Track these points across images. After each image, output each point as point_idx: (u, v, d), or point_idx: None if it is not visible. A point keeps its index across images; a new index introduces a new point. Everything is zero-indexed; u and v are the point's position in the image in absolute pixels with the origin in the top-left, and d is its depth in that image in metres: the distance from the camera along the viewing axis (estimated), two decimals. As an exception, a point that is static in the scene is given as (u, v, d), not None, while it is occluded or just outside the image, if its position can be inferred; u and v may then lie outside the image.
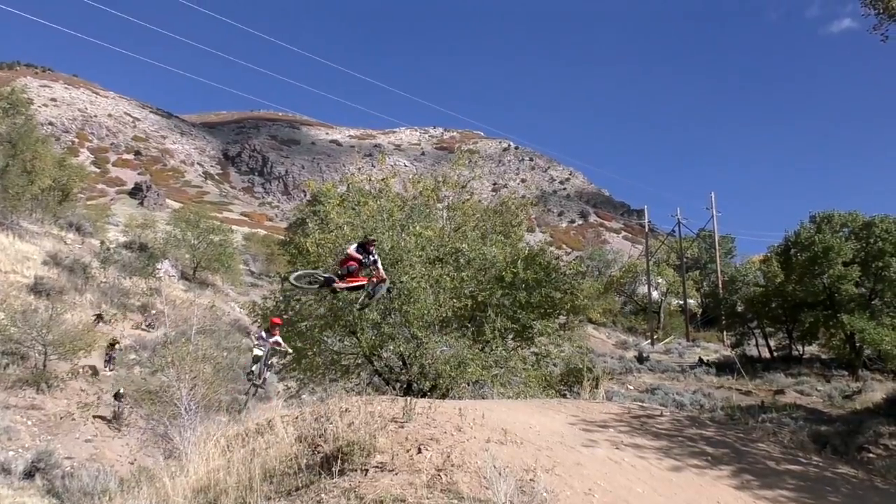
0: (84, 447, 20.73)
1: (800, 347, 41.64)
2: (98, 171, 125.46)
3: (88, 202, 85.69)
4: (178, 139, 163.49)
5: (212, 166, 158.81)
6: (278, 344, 13.65)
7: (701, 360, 41.53)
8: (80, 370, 24.69)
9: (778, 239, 65.01)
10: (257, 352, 13.45)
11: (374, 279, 11.80)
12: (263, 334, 13.79)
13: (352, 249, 11.74)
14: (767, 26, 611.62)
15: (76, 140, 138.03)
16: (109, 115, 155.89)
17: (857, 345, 34.30)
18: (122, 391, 23.22)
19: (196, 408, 16.91)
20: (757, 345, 44.37)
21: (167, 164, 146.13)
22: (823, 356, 40.08)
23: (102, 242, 42.90)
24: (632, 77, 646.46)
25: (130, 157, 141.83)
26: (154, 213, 74.83)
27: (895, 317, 33.65)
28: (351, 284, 11.88)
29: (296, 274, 12.47)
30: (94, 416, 21.37)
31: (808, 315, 36.56)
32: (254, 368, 13.63)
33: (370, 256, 11.77)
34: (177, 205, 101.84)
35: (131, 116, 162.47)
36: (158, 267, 40.30)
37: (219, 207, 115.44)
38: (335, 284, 11.71)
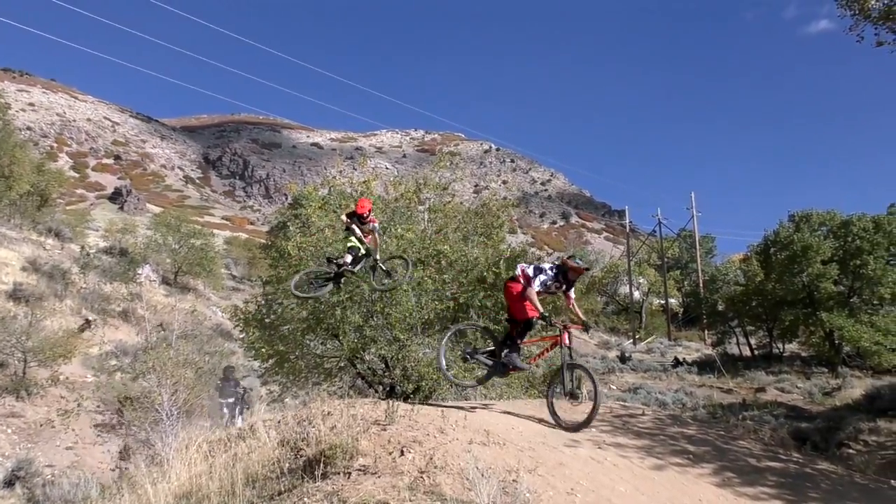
0: (65, 455, 20.45)
1: (780, 345, 41.93)
2: (77, 175, 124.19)
3: (68, 207, 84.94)
4: (157, 143, 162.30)
5: (192, 170, 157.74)
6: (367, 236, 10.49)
7: (677, 359, 41.49)
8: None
9: (757, 238, 65.75)
10: (350, 244, 10.84)
11: (569, 327, 8.10)
12: (353, 226, 10.68)
13: (534, 291, 7.67)
14: (746, 27, 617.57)
15: (55, 145, 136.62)
16: (88, 120, 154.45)
17: (837, 342, 34.59)
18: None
19: (177, 413, 16.76)
20: (738, 343, 44.56)
21: (147, 168, 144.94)
22: (803, 354, 40.32)
23: (82, 248, 42.36)
24: (611, 78, 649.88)
25: (110, 161, 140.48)
26: (134, 218, 73.93)
27: (873, 314, 34.02)
28: (542, 357, 8.72)
29: (452, 333, 9.98)
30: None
31: (787, 313, 36.85)
32: (339, 259, 10.96)
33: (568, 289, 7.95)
34: (157, 209, 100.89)
35: (110, 121, 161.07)
36: (139, 272, 40.01)
37: (200, 211, 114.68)
38: (518, 365, 8.43)
